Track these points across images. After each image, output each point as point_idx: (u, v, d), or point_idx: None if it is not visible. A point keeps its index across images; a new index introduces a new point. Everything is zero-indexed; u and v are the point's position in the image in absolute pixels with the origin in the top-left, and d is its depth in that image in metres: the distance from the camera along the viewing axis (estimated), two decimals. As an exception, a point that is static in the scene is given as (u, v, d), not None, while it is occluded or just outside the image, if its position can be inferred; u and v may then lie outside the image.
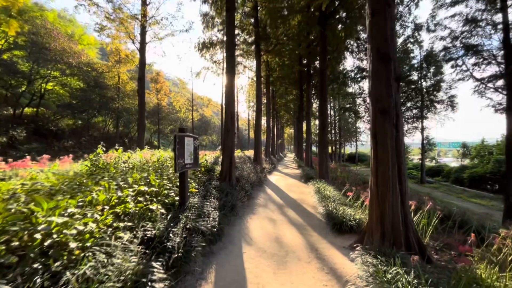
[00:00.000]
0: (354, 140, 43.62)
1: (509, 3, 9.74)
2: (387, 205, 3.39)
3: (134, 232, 3.04)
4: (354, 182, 8.70)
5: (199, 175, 6.83)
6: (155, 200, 3.97)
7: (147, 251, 2.84)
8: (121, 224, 3.03)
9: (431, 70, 17.94)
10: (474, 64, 12.67)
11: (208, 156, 12.12)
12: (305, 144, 21.77)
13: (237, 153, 18.85)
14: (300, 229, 4.74)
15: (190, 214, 3.93)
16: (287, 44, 16.03)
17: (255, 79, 15.65)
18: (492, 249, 2.99)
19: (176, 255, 2.97)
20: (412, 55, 19.34)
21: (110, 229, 2.85)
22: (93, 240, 2.52)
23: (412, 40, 18.52)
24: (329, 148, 53.75)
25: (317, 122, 42.14)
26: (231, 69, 7.72)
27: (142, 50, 11.64)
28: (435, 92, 18.13)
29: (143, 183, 4.40)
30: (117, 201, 3.60)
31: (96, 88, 21.04)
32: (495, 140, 22.41)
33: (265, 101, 24.28)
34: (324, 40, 9.80)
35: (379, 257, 2.81)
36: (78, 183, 4.42)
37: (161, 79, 27.24)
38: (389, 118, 3.49)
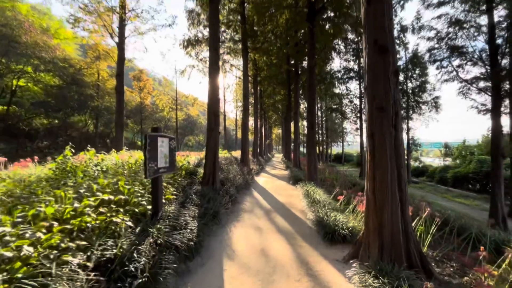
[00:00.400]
0: (341, 141, 44.04)
1: (494, 5, 9.82)
2: (386, 215, 3.02)
3: (89, 253, 2.49)
4: (343, 184, 8.42)
5: (179, 179, 6.27)
6: (122, 210, 3.41)
7: (101, 278, 2.30)
8: (72, 244, 2.47)
9: (417, 72, 18.21)
10: (458, 66, 12.82)
11: (192, 157, 11.52)
12: (293, 145, 21.55)
13: (224, 154, 18.30)
14: (289, 239, 4.32)
15: (163, 226, 3.40)
16: (275, 43, 15.69)
17: (242, 78, 15.18)
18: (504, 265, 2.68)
19: (141, 280, 2.45)
20: (397, 56, 19.55)
21: (55, 252, 2.30)
22: (25, 270, 1.97)
23: (398, 42, 18.69)
24: (316, 148, 54.17)
25: (305, 122, 42.28)
26: (214, 64, 7.22)
27: (120, 44, 10.88)
28: (420, 93, 18.42)
29: (110, 190, 3.83)
30: (73, 213, 3.03)
31: (74, 86, 19.77)
32: (475, 141, 23.21)
33: (253, 101, 23.86)
34: (313, 36, 9.49)
35: (380, 277, 2.42)
36: (31, 191, 3.80)
37: (144, 77, 26.11)
38: (388, 116, 3.13)
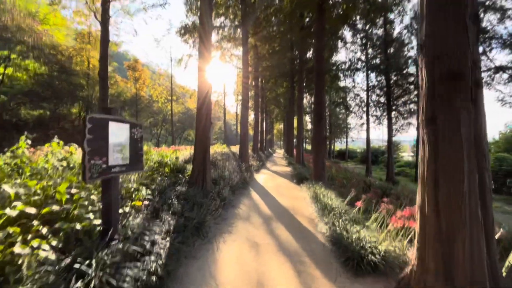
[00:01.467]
0: (345, 136, 42.76)
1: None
2: (460, 246, 1.85)
3: None
4: (356, 185, 7.24)
5: (159, 178, 5.13)
6: (45, 231, 2.26)
7: None
8: None
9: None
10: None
11: (186, 152, 10.38)
12: (295, 140, 20.35)
13: (221, 148, 17.15)
14: (296, 263, 3.17)
15: (110, 255, 2.25)
16: (278, 27, 14.40)
17: (242, 66, 13.94)
18: None
19: None
20: (411, 45, 18.19)
21: None
22: None
23: (415, 27, 17.30)
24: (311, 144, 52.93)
25: (307, 117, 41.01)
26: (205, 40, 6.01)
27: (104, 23, 9.65)
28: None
29: (38, 197, 2.67)
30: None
31: (63, 74, 18.55)
32: (491, 138, 21.89)
33: (253, 93, 22.59)
34: (322, 14, 8.21)
35: None
36: None
37: (139, 67, 24.70)
38: (464, 88, 1.93)
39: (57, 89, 18.44)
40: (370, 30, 19.17)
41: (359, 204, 4.56)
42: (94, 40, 17.39)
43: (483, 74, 11.35)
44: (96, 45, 18.63)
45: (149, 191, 4.27)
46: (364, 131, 44.15)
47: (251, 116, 29.94)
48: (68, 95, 19.14)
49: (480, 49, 11.45)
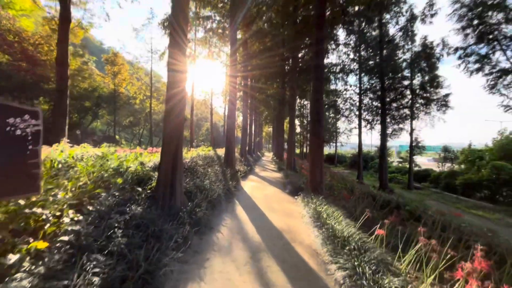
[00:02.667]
0: (334, 141, 42.24)
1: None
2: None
3: None
4: (363, 197, 6.07)
5: (104, 195, 3.68)
6: None
7: None
8: None
9: (423, 65, 16.17)
10: (485, 56, 10.78)
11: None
12: (286, 144, 19.23)
13: (207, 151, 15.69)
14: None
15: None
16: (270, 21, 13.25)
17: (229, 62, 12.61)
18: None
19: None
20: (407, 46, 17.54)
21: None
22: None
23: (409, 29, 16.65)
24: (307, 148, 52.26)
25: (296, 121, 40.10)
26: (180, 16, 4.68)
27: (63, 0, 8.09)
28: (431, 89, 16.41)
29: None
30: None
31: (25, 64, 16.46)
32: (482, 145, 21.71)
33: (242, 93, 21.28)
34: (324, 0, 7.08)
35: None
36: None
37: (119, 61, 22.61)
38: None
39: (19, 81, 16.32)
40: (365, 31, 18.40)
41: (380, 232, 3.33)
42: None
43: (487, 77, 10.64)
44: (70, 36, 16.70)
45: (79, 217, 2.85)
46: (353, 136, 43.90)
47: (240, 118, 28.61)
48: (32, 87, 17.04)
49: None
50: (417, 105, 18.12)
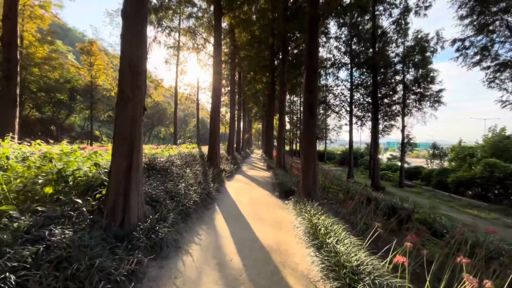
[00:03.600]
0: (324, 138, 41.86)
1: None
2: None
3: None
4: (363, 203, 5.23)
5: (15, 213, 2.61)
6: None
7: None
8: None
9: (416, 59, 15.59)
10: (483, 48, 10.21)
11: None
12: (275, 141, 18.35)
13: (190, 148, 14.57)
14: None
15: None
16: (257, 6, 12.21)
17: (213, 50, 11.43)
18: None
19: None
20: (400, 40, 16.93)
21: None
22: None
23: (402, 23, 16.02)
24: (297, 146, 51.76)
25: (285, 118, 39.30)
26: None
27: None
28: (425, 84, 15.91)
29: None
30: None
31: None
32: (472, 142, 21.66)
33: (229, 87, 20.18)
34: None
35: None
36: None
37: (95, 50, 20.67)
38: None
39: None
40: (357, 24, 17.66)
41: (400, 259, 2.45)
42: (30, 8, 13.58)
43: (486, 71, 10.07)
44: (35, 19, 14.93)
45: None
46: (343, 132, 43.70)
47: (228, 114, 27.43)
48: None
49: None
50: (410, 101, 17.64)
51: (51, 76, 18.81)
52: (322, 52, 22.98)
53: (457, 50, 11.20)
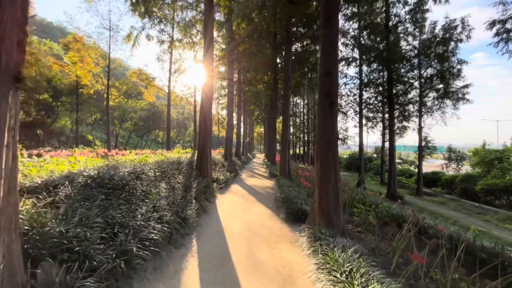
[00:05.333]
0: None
1: None
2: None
3: None
4: (410, 232, 3.33)
5: None
6: None
7: None
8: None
9: (442, 50, 13.64)
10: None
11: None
12: (280, 145, 16.52)
13: (181, 153, 12.78)
14: None
15: None
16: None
17: (203, 35, 9.65)
18: None
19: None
20: (417, 31, 15.07)
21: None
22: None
23: (419, 11, 14.17)
24: (301, 149, 49.82)
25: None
26: None
27: None
28: (451, 79, 13.90)
29: None
30: None
31: None
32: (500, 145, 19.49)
33: (228, 87, 18.44)
34: None
35: None
36: None
37: (80, 47, 18.68)
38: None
39: None
40: (368, 14, 15.86)
41: None
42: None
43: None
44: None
45: None
46: (351, 135, 41.53)
47: (221, 111, 25.67)
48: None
49: None
50: (429, 98, 15.71)
51: (25, 73, 17.09)
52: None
53: (497, 34, 9.36)
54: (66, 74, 19.58)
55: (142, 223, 3.36)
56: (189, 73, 19.45)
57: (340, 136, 39.84)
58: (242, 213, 5.72)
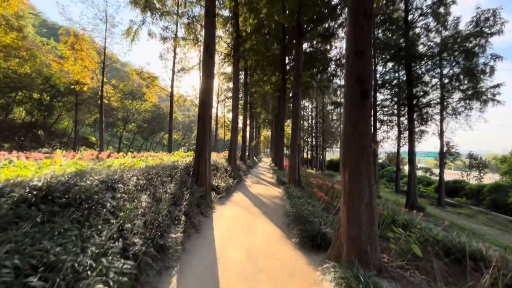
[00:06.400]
0: (339, 146, 38.43)
1: None
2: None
3: None
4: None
5: None
6: None
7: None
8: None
9: (473, 44, 12.19)
10: None
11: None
12: (289, 149, 15.35)
13: (181, 157, 11.80)
14: None
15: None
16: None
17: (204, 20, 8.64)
18: None
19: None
20: (440, 27, 13.71)
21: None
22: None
23: (445, 2, 12.87)
24: (308, 154, 48.37)
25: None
26: None
27: None
28: (481, 79, 12.41)
29: None
30: None
31: None
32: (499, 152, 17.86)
33: (233, 86, 17.43)
34: None
35: None
36: None
37: (83, 44, 17.48)
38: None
39: None
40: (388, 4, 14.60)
41: None
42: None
43: None
44: None
45: None
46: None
47: (230, 117, 24.66)
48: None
49: None
50: (454, 100, 14.26)
51: (21, 70, 16.39)
52: (333, 51, 19.96)
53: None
54: (66, 73, 18.88)
55: (90, 261, 2.25)
56: (194, 74, 18.54)
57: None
58: (244, 233, 4.56)
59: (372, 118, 3.55)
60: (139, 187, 4.61)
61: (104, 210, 3.35)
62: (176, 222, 4.02)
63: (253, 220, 5.50)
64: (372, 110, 18.57)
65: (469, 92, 13.00)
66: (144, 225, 3.33)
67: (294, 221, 4.88)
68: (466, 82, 12.90)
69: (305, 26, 10.98)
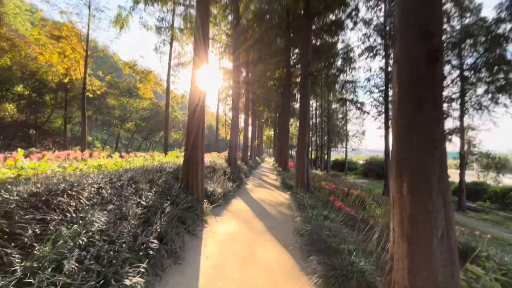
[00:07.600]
0: (344, 146, 37.04)
1: None
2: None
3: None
4: None
5: None
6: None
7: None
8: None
9: (499, 31, 10.82)
10: None
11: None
12: (294, 150, 14.03)
13: (173, 158, 10.57)
14: None
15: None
16: None
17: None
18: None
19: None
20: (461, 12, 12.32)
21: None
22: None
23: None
24: (312, 153, 46.90)
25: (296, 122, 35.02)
26: None
27: None
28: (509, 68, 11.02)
29: None
30: None
31: None
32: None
33: (233, 83, 16.14)
34: None
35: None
36: None
37: (73, 37, 16.22)
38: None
39: None
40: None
41: None
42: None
43: None
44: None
45: None
46: (356, 139, 38.21)
47: (229, 115, 23.44)
48: None
49: None
50: (479, 92, 12.84)
51: (0, 62, 15.16)
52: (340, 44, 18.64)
53: None
54: (50, 66, 17.58)
55: None
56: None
57: (352, 140, 36.76)
58: (242, 264, 3.29)
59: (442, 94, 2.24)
60: (97, 200, 3.36)
61: (20, 241, 2.12)
62: (142, 252, 2.77)
63: (254, 240, 4.23)
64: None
65: (498, 84, 11.58)
66: (77, 269, 2.07)
67: (310, 244, 3.60)
68: (492, 73, 11.48)
69: (313, 12, 9.70)
